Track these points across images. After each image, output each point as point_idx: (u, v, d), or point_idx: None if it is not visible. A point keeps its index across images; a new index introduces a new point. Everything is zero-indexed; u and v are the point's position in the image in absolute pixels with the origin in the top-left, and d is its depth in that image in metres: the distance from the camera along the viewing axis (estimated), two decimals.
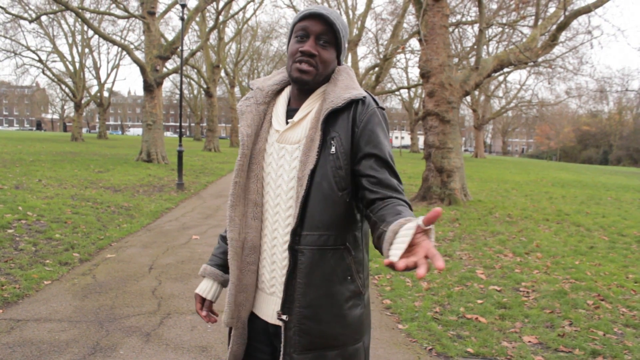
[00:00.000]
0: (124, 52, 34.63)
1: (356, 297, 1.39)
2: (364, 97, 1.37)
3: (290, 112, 1.45)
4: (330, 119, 1.34)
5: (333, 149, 1.32)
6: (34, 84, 60.67)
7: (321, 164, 1.31)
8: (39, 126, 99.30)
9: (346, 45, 1.46)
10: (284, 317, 1.34)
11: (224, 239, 1.61)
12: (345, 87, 1.39)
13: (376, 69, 27.55)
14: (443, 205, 10.42)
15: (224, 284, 1.58)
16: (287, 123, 1.44)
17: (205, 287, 1.58)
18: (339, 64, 1.47)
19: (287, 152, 1.40)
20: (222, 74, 39.24)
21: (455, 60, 23.70)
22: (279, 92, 1.53)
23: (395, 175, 1.32)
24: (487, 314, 4.14)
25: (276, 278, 1.41)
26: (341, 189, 1.32)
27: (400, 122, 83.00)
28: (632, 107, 64.99)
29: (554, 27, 12.36)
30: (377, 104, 1.39)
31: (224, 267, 1.57)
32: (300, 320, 1.33)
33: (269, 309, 1.43)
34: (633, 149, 60.81)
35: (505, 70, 22.84)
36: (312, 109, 1.42)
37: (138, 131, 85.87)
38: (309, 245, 1.32)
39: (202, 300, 1.58)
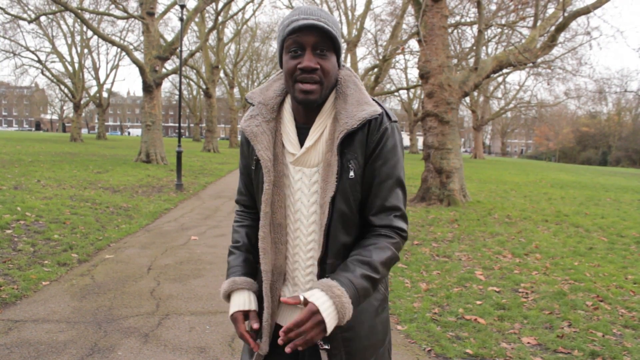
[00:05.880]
0: (123, 53, 34.62)
1: (383, 303, 1.41)
2: (379, 114, 1.30)
3: (300, 130, 1.37)
4: (346, 140, 1.29)
5: (352, 173, 1.28)
6: (33, 85, 60.69)
7: (341, 189, 1.28)
8: (38, 127, 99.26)
9: (341, 43, 1.36)
10: (326, 346, 1.32)
11: (236, 248, 1.50)
12: (357, 102, 1.31)
13: (375, 69, 27.58)
14: (442, 206, 10.43)
15: (256, 292, 1.44)
16: (299, 143, 1.36)
17: (243, 300, 1.39)
18: (339, 66, 1.37)
19: (305, 176, 1.34)
20: (222, 74, 39.26)
21: (455, 61, 23.69)
22: (281, 103, 1.43)
23: (401, 194, 1.34)
24: (486, 315, 4.13)
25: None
26: (358, 210, 1.33)
27: (400, 123, 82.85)
28: (631, 108, 65.11)
29: (553, 28, 12.37)
30: (389, 118, 1.33)
31: (251, 274, 1.46)
32: (344, 344, 1.32)
33: (293, 316, 1.40)
34: (632, 150, 60.86)
35: (505, 71, 22.85)
36: (324, 127, 1.33)
37: (138, 132, 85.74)
38: None
39: (245, 315, 1.38)
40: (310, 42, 1.25)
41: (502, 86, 45.94)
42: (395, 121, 1.35)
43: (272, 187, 1.35)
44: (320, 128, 1.34)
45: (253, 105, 1.42)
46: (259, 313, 1.42)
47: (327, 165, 1.30)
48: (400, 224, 1.32)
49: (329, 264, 1.31)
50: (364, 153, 1.29)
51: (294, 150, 1.36)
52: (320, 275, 1.32)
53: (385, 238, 1.30)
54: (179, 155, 12.44)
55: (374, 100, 1.35)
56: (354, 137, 1.29)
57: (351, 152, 1.28)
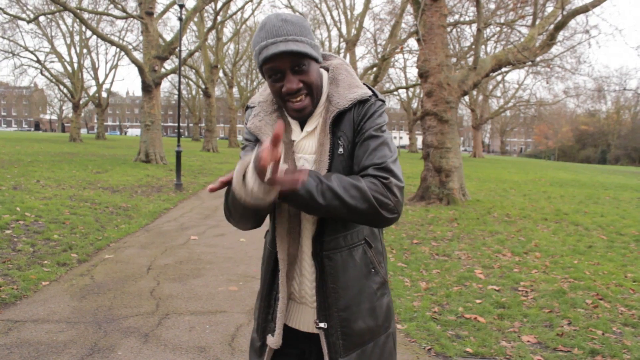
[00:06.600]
0: (122, 53, 34.59)
1: (383, 287, 1.43)
2: (369, 96, 1.36)
3: (299, 119, 1.42)
4: (337, 120, 1.34)
5: (341, 149, 1.32)
6: (32, 85, 60.72)
7: (334, 166, 1.31)
8: (37, 127, 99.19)
9: (315, 41, 1.35)
10: (322, 325, 1.34)
11: None
12: (348, 85, 1.37)
13: (374, 69, 27.58)
14: (441, 205, 10.43)
15: None
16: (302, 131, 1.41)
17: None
18: (318, 61, 1.37)
19: (307, 162, 1.38)
20: (221, 74, 39.22)
21: (454, 60, 23.69)
22: None
23: (388, 151, 1.30)
24: (485, 313, 4.13)
25: (305, 289, 1.41)
26: None
27: (399, 122, 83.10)
28: (630, 107, 65.13)
29: (552, 26, 12.37)
30: (376, 96, 1.38)
31: None
32: (341, 323, 1.34)
33: (301, 317, 1.43)
34: (631, 148, 60.86)
35: (504, 70, 22.87)
36: (321, 117, 1.39)
37: (136, 132, 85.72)
38: (334, 249, 1.33)
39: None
40: (287, 66, 1.28)
41: (501, 85, 46.02)
42: (383, 101, 1.39)
43: None
44: (318, 117, 1.39)
45: (255, 107, 1.46)
46: (273, 308, 1.42)
47: (320, 145, 1.34)
48: (381, 172, 1.26)
49: (326, 242, 1.33)
50: (353, 129, 1.34)
51: (295, 137, 1.40)
52: (316, 253, 1.33)
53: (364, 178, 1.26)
54: (178, 155, 12.44)
55: (364, 84, 1.40)
56: (344, 116, 1.34)
57: (341, 130, 1.33)
